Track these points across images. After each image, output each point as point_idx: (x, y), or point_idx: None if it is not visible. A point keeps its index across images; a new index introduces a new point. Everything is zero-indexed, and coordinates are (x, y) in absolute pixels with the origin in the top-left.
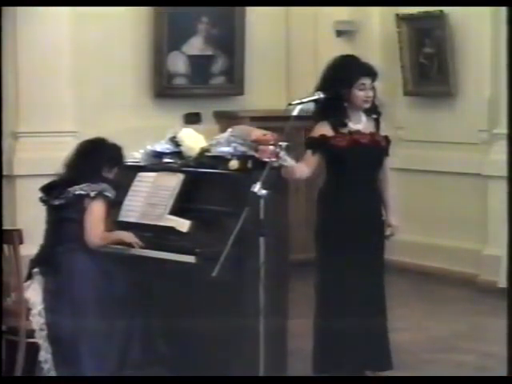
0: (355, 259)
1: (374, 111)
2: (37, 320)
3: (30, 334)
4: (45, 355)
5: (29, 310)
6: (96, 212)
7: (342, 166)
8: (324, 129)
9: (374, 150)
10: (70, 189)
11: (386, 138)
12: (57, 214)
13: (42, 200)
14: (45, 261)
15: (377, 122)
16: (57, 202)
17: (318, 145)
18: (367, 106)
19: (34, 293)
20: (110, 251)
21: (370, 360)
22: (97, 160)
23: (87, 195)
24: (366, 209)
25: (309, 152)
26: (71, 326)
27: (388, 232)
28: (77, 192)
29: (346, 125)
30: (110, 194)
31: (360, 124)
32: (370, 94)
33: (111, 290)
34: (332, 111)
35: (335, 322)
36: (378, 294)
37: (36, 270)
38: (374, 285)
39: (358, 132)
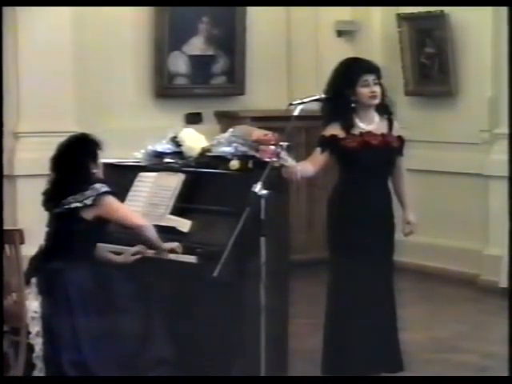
0: (366, 259)
1: (385, 111)
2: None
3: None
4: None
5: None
6: (115, 205)
7: (352, 167)
8: (335, 130)
9: (385, 152)
10: (64, 201)
11: (400, 138)
12: (56, 223)
13: (44, 205)
14: (39, 274)
15: (390, 122)
16: (57, 211)
17: (328, 144)
18: (375, 102)
19: (34, 303)
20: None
21: (383, 361)
22: (82, 156)
23: (85, 205)
24: (378, 209)
25: (317, 150)
26: (71, 333)
27: (407, 229)
28: (72, 205)
29: (354, 126)
30: (104, 188)
31: (372, 125)
32: (375, 89)
33: (111, 298)
34: (341, 113)
35: (347, 321)
36: (389, 294)
37: (33, 281)
38: (385, 285)
39: (369, 133)
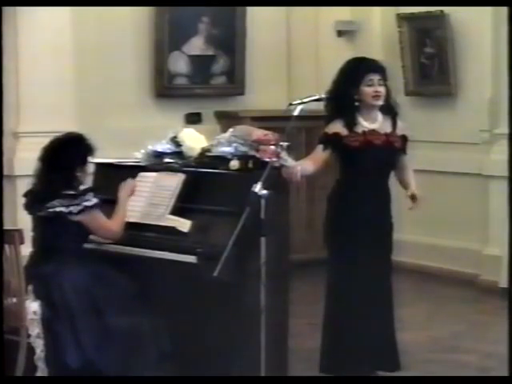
0: (365, 259)
1: (390, 111)
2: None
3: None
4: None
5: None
6: (99, 221)
7: (354, 166)
8: (338, 127)
9: (387, 151)
10: (47, 204)
11: (404, 137)
12: (42, 227)
13: (26, 208)
14: (33, 280)
15: (394, 121)
16: (42, 214)
17: (331, 142)
18: (379, 102)
19: (34, 304)
20: (112, 251)
21: (380, 360)
22: (72, 158)
23: (70, 212)
24: (377, 209)
25: (319, 147)
26: (72, 333)
27: (411, 205)
28: (57, 209)
29: (357, 124)
30: (94, 200)
31: (375, 123)
32: (380, 89)
33: (109, 297)
34: (344, 111)
35: (346, 321)
36: (387, 293)
37: (29, 288)
38: (383, 285)
39: (372, 132)
